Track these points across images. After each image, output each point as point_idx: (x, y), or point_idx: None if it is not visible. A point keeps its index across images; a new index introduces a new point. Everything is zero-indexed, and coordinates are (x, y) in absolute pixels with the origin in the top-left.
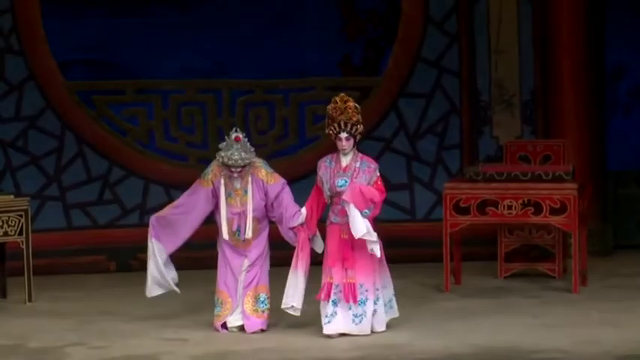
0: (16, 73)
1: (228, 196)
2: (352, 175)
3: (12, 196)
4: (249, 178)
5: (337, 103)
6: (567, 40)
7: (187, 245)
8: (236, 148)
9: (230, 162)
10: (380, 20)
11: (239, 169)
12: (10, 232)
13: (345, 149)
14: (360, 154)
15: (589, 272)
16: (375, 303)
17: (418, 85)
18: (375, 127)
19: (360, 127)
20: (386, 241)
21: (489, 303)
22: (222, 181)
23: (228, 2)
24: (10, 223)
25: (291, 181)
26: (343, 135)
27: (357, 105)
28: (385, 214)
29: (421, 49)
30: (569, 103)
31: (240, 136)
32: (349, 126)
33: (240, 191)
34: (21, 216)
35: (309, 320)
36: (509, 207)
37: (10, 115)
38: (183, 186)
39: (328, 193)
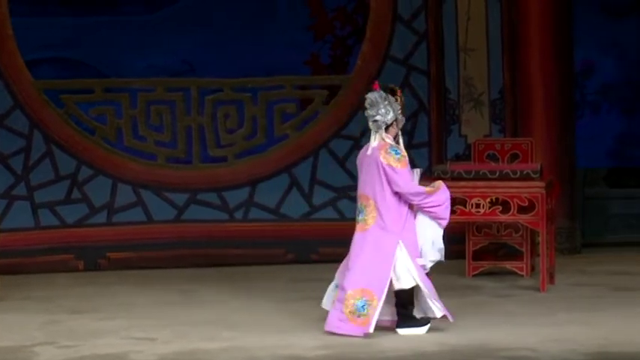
0: None
1: None
2: None
3: None
4: None
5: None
6: (536, 39)
7: (153, 245)
8: None
9: None
10: (348, 18)
11: None
12: None
13: None
14: None
15: (557, 271)
16: None
17: (387, 83)
18: (344, 125)
19: None
20: None
21: (457, 301)
22: None
23: (197, 1)
24: None
25: (260, 180)
26: None
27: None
28: (353, 212)
29: (390, 48)
30: (538, 102)
31: None
32: None
33: None
34: None
35: (279, 319)
36: (477, 205)
37: None
38: (151, 185)
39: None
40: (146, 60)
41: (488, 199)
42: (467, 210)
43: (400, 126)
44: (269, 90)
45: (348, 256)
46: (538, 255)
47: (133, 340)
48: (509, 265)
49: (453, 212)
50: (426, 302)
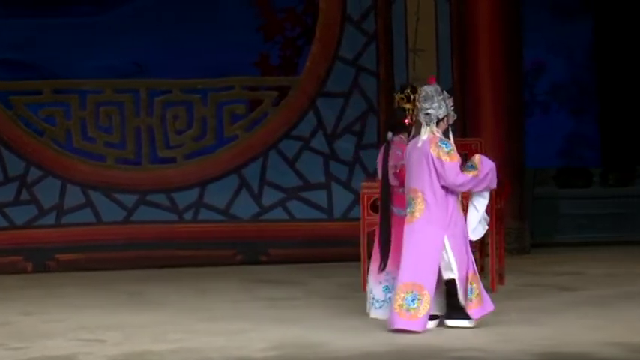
0: None
1: None
2: None
3: None
4: None
5: None
6: (485, 39)
7: (102, 246)
8: None
9: None
10: (298, 19)
11: None
12: None
13: None
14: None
15: (506, 271)
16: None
17: (336, 85)
18: (294, 126)
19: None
20: (304, 241)
21: None
22: None
23: (147, 3)
24: None
25: (209, 181)
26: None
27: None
28: (303, 213)
29: (339, 49)
30: (487, 102)
31: None
32: None
33: None
34: None
35: (228, 320)
36: None
37: None
38: (101, 186)
39: None
40: (96, 61)
41: None
42: None
43: (451, 122)
44: (218, 91)
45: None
46: (487, 255)
47: (83, 342)
48: None
49: None
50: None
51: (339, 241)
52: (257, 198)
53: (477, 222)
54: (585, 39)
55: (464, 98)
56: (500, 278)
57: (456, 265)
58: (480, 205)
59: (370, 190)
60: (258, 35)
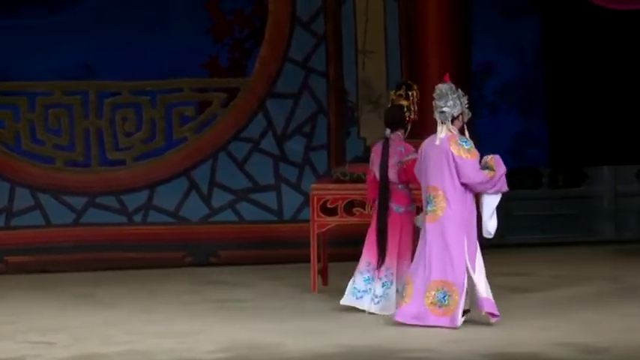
0: None
1: None
2: None
3: None
4: None
5: None
6: (434, 40)
7: (51, 249)
8: None
9: None
10: (246, 21)
11: None
12: None
13: None
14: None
15: None
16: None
17: (285, 86)
18: (243, 128)
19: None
20: (253, 243)
21: None
22: None
23: (96, 4)
24: None
25: (159, 183)
26: None
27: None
28: (252, 215)
29: (288, 50)
30: None
31: None
32: None
33: None
34: None
35: (178, 322)
36: None
37: None
38: (50, 189)
39: None
40: (45, 63)
41: None
42: (366, 212)
43: (465, 120)
44: (167, 93)
45: (419, 248)
46: None
47: (31, 344)
48: None
49: (351, 214)
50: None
51: (288, 242)
52: (206, 200)
53: (488, 218)
54: (533, 39)
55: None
56: None
57: (468, 265)
58: (492, 200)
59: (320, 192)
60: (208, 37)
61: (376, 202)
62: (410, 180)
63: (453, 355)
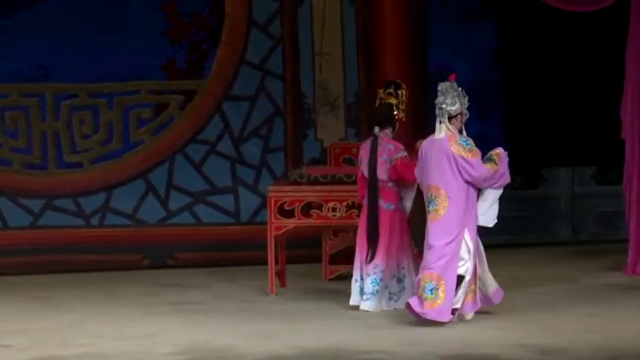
0: None
1: None
2: None
3: None
4: None
5: None
6: (391, 42)
7: (8, 252)
8: None
9: None
10: (204, 23)
11: None
12: None
13: None
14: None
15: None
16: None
17: (242, 88)
18: (200, 130)
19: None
20: (211, 245)
21: (314, 305)
22: None
23: (52, 6)
24: None
25: (116, 186)
26: None
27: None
28: (210, 217)
29: (245, 52)
30: None
31: None
32: None
33: None
34: None
35: (135, 325)
36: (334, 209)
37: None
38: (7, 191)
39: None
40: (0, 65)
41: (344, 203)
42: (323, 214)
43: (464, 120)
44: (125, 95)
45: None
46: None
47: None
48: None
49: (309, 216)
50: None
51: (246, 244)
52: (164, 202)
53: (487, 206)
54: (490, 42)
55: (370, 101)
56: None
57: (471, 261)
58: (495, 191)
59: (277, 194)
60: (165, 39)
61: (364, 200)
62: (400, 178)
63: (410, 356)
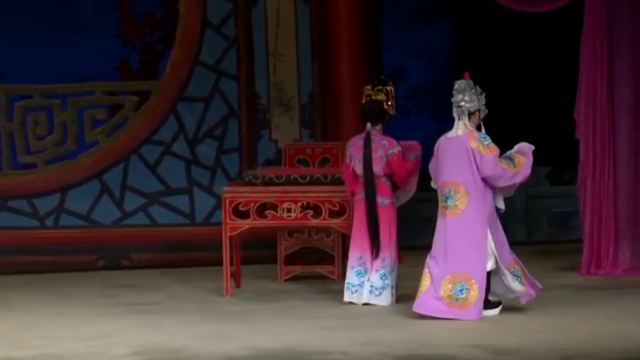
0: None
1: None
2: None
3: None
4: None
5: None
6: (345, 43)
7: None
8: None
9: None
10: (158, 24)
11: None
12: None
13: None
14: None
15: None
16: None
17: (197, 89)
18: (155, 131)
19: None
20: (166, 246)
21: (269, 306)
22: None
23: (4, 8)
24: None
25: (71, 187)
26: None
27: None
28: (165, 218)
29: (199, 53)
30: (348, 106)
31: None
32: None
33: None
34: None
35: (91, 326)
36: (289, 210)
37: None
38: None
39: None
40: None
41: (299, 204)
42: (278, 215)
43: (482, 116)
44: (79, 96)
45: (436, 241)
46: None
47: None
48: (320, 269)
49: (264, 217)
50: (503, 284)
51: (201, 245)
52: (119, 203)
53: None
54: (444, 43)
55: (324, 102)
56: None
57: (496, 255)
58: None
59: (232, 195)
60: (119, 40)
61: (356, 196)
62: (394, 173)
63: (366, 356)
